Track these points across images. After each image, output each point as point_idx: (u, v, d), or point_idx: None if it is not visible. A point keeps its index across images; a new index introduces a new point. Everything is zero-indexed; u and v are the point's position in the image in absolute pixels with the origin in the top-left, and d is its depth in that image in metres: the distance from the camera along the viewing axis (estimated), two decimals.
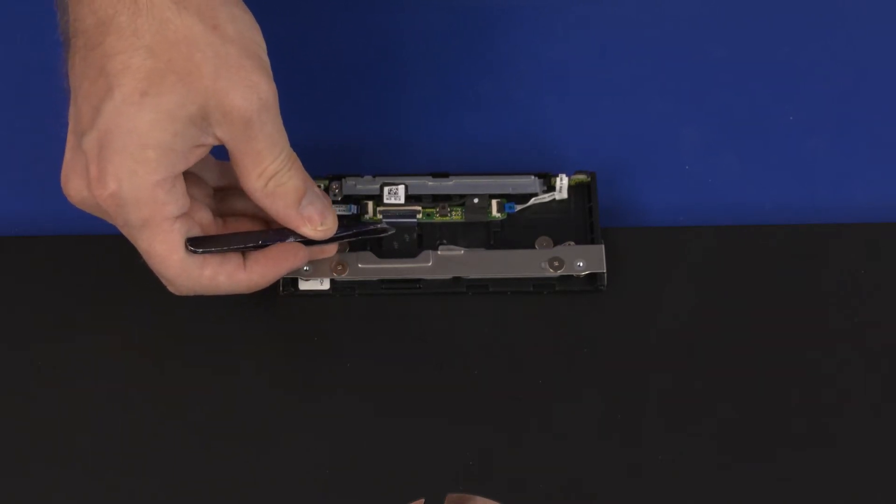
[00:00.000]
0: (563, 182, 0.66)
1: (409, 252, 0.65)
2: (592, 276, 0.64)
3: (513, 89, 0.70)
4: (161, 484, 0.60)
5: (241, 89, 0.56)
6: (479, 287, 0.64)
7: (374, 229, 0.63)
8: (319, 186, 0.65)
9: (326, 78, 0.71)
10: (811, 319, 0.64)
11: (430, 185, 0.66)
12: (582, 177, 0.66)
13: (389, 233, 0.64)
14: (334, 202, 0.66)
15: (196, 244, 0.59)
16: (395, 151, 0.68)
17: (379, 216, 0.65)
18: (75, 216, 0.65)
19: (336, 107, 0.70)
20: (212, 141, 0.57)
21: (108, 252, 0.64)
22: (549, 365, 0.63)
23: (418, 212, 0.66)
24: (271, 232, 0.61)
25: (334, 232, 0.61)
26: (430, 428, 0.61)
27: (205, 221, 0.60)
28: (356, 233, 0.63)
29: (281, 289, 0.64)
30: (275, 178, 0.58)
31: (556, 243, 0.65)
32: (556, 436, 0.61)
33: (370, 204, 0.66)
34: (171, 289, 0.60)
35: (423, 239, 0.66)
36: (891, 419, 0.62)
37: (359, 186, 0.66)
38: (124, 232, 0.58)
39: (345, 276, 0.64)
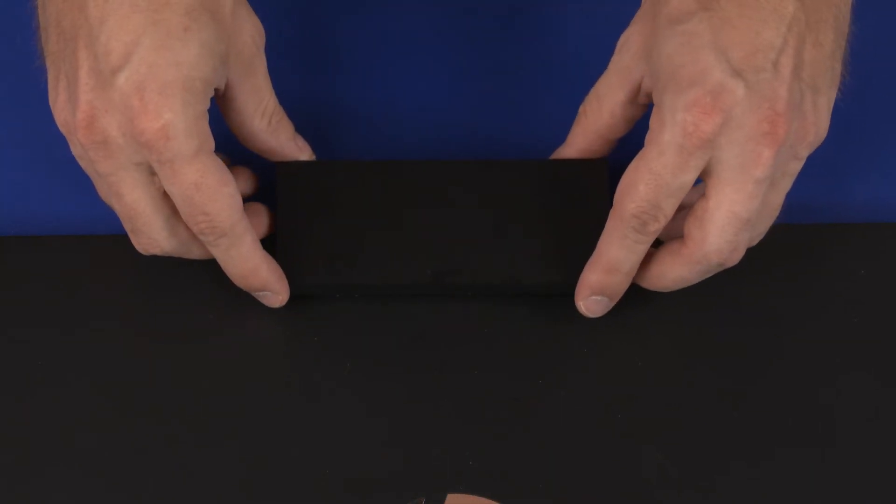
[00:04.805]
0: None
1: None
2: None
3: (513, 88, 0.70)
4: (161, 484, 0.60)
5: (248, 27, 0.59)
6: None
7: None
8: None
9: (326, 77, 0.71)
10: (811, 320, 0.64)
11: None
12: None
13: None
14: None
15: None
16: (395, 151, 0.68)
17: None
18: (75, 216, 0.66)
19: (336, 107, 0.70)
20: (223, 83, 0.59)
21: (108, 252, 0.65)
22: (549, 365, 0.63)
23: None
24: None
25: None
26: (430, 428, 0.61)
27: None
28: None
29: None
30: (274, 113, 0.62)
31: None
32: (556, 436, 0.61)
33: None
34: (209, 225, 0.59)
35: None
36: (890, 420, 0.62)
37: None
38: (164, 168, 0.57)
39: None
